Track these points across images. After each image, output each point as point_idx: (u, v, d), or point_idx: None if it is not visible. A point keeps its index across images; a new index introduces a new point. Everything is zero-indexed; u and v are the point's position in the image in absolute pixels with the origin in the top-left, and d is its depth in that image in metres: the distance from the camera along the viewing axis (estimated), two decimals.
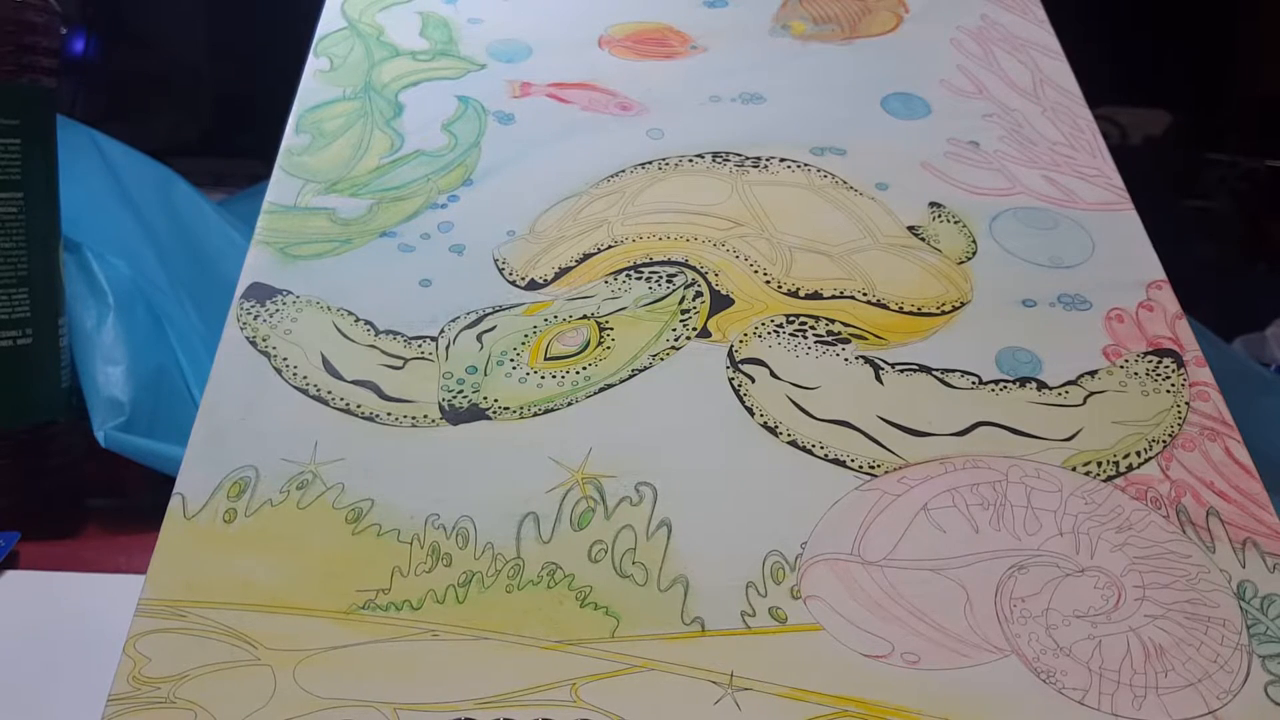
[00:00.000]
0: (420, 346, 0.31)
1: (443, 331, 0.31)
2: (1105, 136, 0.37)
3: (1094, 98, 0.39)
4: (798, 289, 0.32)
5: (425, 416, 0.29)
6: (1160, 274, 0.33)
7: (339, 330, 0.31)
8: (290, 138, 0.36)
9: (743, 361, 0.30)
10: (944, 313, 0.32)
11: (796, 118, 0.37)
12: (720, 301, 0.32)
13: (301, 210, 0.34)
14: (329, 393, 0.30)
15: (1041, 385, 0.30)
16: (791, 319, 0.32)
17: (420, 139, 0.36)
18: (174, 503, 0.27)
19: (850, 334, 0.31)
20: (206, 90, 0.87)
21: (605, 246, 0.33)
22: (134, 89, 0.83)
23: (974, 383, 0.30)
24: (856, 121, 0.37)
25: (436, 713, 0.24)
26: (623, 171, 0.36)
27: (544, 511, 0.27)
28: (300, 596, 0.26)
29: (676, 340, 0.31)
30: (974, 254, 0.33)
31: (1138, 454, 0.29)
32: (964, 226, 0.34)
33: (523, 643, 0.25)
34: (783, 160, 0.36)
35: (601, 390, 0.30)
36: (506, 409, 0.29)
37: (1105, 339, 0.31)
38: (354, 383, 0.30)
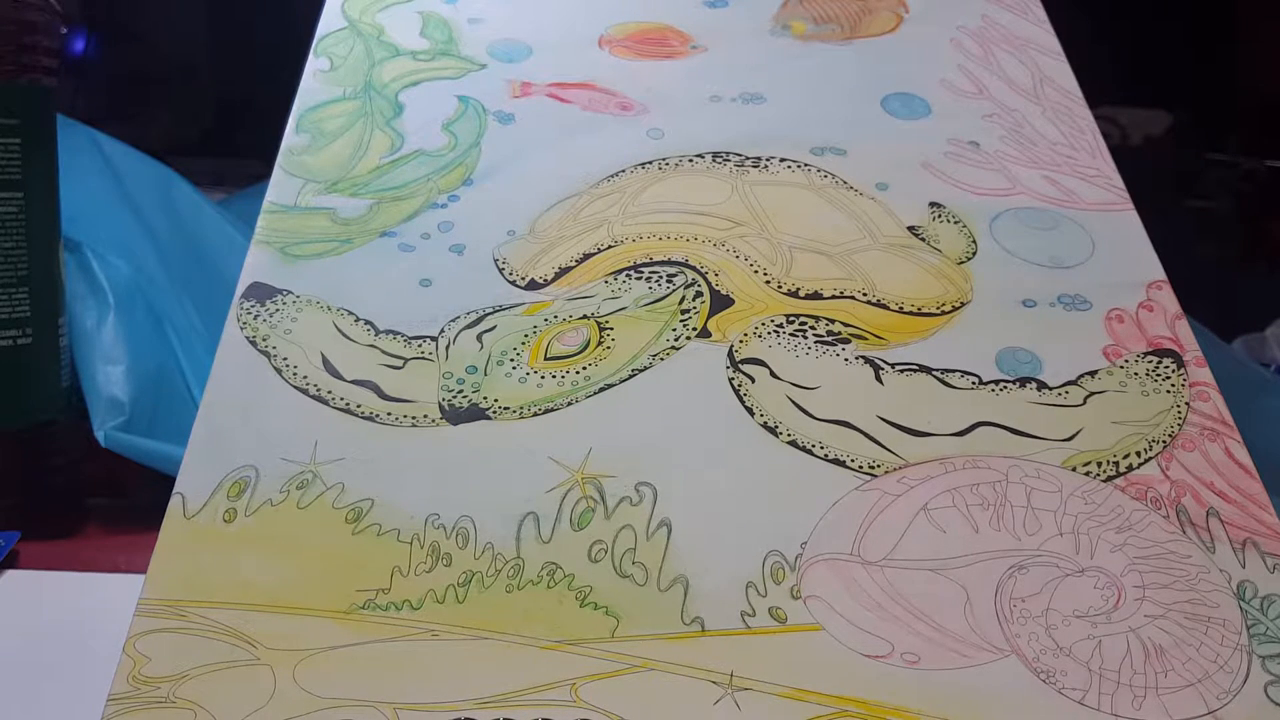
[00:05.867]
0: (420, 346, 0.31)
1: (443, 331, 0.31)
2: (1105, 136, 0.37)
3: (1094, 98, 0.39)
4: (798, 289, 0.32)
5: (425, 416, 0.29)
6: (1160, 274, 0.33)
7: (339, 330, 0.31)
8: (290, 137, 0.36)
9: (743, 361, 0.30)
10: (944, 313, 0.32)
11: (796, 118, 0.37)
12: (720, 301, 0.32)
13: (301, 210, 0.34)
14: (329, 392, 0.30)
15: (1041, 385, 0.30)
16: (791, 319, 0.31)
17: (420, 139, 0.36)
18: (174, 502, 0.27)
19: (850, 334, 0.31)
20: (206, 90, 0.87)
21: (605, 246, 0.33)
22: (134, 89, 0.83)
23: (974, 383, 0.30)
24: (857, 121, 0.37)
25: (436, 713, 0.24)
26: (623, 171, 0.36)
27: (544, 511, 0.27)
28: (300, 596, 0.26)
29: (676, 340, 0.31)
30: (974, 254, 0.33)
31: (1138, 454, 0.29)
32: (964, 226, 0.34)
33: (522, 643, 0.25)
34: (783, 160, 0.36)
35: (601, 390, 0.30)
36: (506, 409, 0.29)
37: (1105, 339, 0.31)
38: (354, 382, 0.30)
